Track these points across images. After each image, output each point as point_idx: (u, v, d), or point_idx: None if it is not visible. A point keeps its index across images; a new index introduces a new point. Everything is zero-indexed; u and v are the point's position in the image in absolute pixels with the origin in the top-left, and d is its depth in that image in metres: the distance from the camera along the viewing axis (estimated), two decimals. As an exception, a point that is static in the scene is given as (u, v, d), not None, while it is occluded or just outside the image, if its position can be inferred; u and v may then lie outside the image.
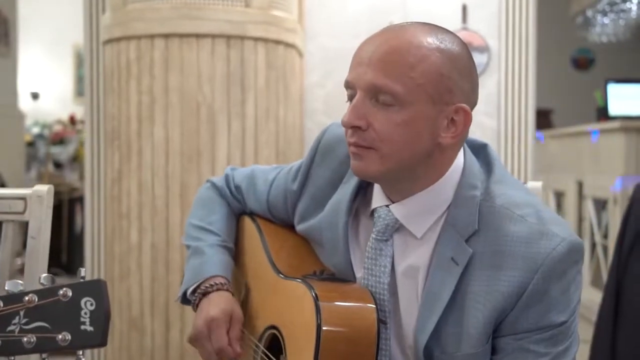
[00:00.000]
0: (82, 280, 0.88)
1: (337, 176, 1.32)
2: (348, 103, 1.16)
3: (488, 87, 2.84)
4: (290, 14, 2.46)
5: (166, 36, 2.23)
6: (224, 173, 1.53)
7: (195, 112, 2.24)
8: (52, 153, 6.69)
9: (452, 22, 2.82)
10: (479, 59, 2.81)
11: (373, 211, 1.24)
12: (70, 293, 0.85)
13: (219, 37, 2.24)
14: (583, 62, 7.55)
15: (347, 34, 2.81)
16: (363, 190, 1.28)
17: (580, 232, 4.35)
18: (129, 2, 2.28)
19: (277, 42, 2.35)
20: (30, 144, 7.01)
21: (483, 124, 2.87)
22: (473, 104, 1.18)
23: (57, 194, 5.75)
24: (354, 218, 1.29)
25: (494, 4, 2.82)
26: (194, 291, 1.37)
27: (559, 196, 4.92)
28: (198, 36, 2.23)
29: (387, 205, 1.21)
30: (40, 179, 6.17)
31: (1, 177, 5.49)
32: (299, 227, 1.37)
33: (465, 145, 1.23)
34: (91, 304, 0.85)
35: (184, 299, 1.40)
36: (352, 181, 1.28)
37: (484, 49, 2.83)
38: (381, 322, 1.19)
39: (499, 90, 2.84)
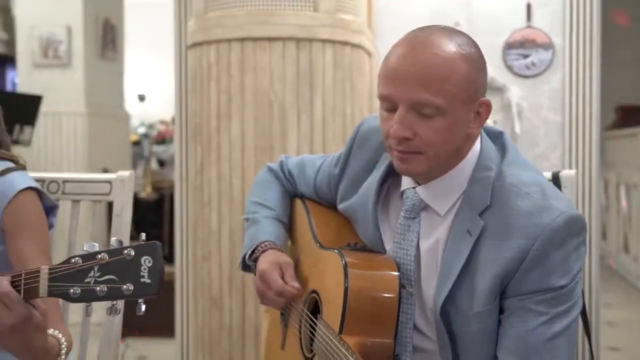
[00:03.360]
0: (142, 242, 1.10)
1: (372, 162, 1.50)
2: (384, 112, 1.32)
3: (552, 83, 2.92)
4: (358, 16, 2.64)
5: (242, 40, 2.45)
6: (279, 160, 1.75)
7: (267, 109, 2.46)
8: (155, 152, 7.11)
9: (516, 20, 2.92)
10: (543, 55, 2.91)
11: (402, 193, 1.42)
12: (133, 252, 1.07)
13: (289, 40, 2.45)
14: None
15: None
16: (394, 173, 1.46)
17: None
18: (210, 10, 2.52)
19: (344, 43, 2.53)
20: (136, 144, 7.48)
21: (548, 119, 2.96)
22: (486, 89, 1.35)
23: (159, 190, 6.15)
24: (385, 198, 1.47)
25: (558, 1, 2.89)
26: (250, 256, 1.59)
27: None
28: (270, 40, 2.44)
29: (413, 188, 1.39)
30: (145, 177, 6.59)
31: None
32: (340, 207, 1.57)
33: (482, 131, 1.39)
34: (149, 262, 1.06)
35: (244, 266, 1.62)
36: (382, 167, 1.46)
37: (548, 45, 2.92)
38: (405, 289, 1.37)
39: (563, 86, 2.91)
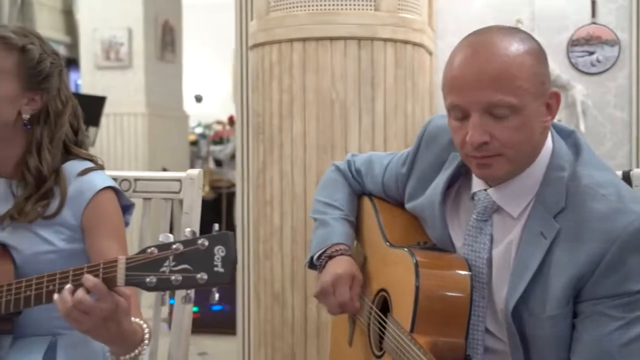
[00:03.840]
0: (215, 233, 1.12)
1: (440, 161, 1.50)
2: (455, 122, 1.31)
3: (619, 80, 2.86)
4: (420, 15, 2.63)
5: (304, 40, 2.47)
6: (346, 158, 1.75)
7: (329, 108, 2.47)
8: (212, 151, 7.21)
9: (580, 17, 2.87)
10: (609, 52, 2.85)
11: (473, 195, 1.41)
12: (206, 243, 1.10)
13: (351, 39, 2.46)
14: None
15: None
16: (464, 174, 1.45)
17: None
18: (272, 10, 2.55)
19: (405, 42, 2.53)
20: (194, 143, 7.60)
21: (614, 116, 2.90)
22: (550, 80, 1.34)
23: (216, 189, 6.24)
24: (455, 199, 1.46)
25: (624, -4, 2.84)
26: (319, 257, 1.60)
27: None
28: (332, 39, 2.45)
29: (485, 190, 1.38)
30: (203, 176, 6.67)
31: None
32: (408, 205, 1.57)
33: (552, 130, 1.37)
34: (222, 251, 1.09)
35: (311, 264, 1.64)
36: (451, 167, 1.45)
37: (614, 42, 2.86)
38: (477, 291, 1.36)
39: (630, 83, 2.85)
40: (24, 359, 1.47)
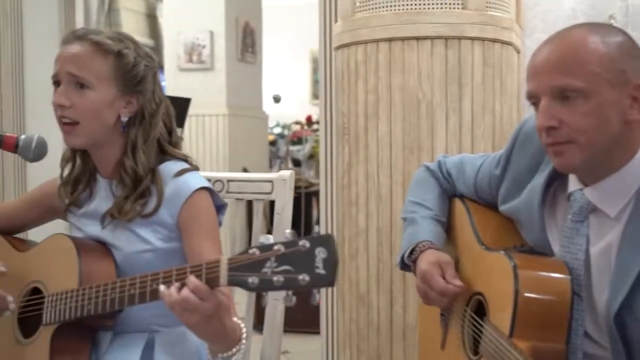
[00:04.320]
0: (316, 234, 1.13)
1: (535, 163, 1.46)
2: (535, 111, 1.32)
3: None
4: (508, 12, 2.58)
5: (389, 40, 2.46)
6: (437, 160, 1.74)
7: (415, 108, 2.45)
8: (291, 151, 7.27)
9: (678, 11, 2.76)
10: None
11: (569, 195, 1.37)
12: (308, 244, 1.10)
13: (438, 39, 2.43)
14: None
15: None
16: (561, 176, 1.41)
17: None
18: (357, 11, 2.55)
19: (493, 40, 2.49)
20: (273, 143, 7.68)
21: None
22: None
23: (295, 189, 6.28)
24: (552, 200, 1.43)
25: None
26: (409, 256, 1.59)
27: None
28: (418, 39, 2.43)
29: (581, 189, 1.34)
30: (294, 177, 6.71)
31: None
32: (502, 208, 1.54)
33: None
34: (323, 253, 1.09)
35: (403, 265, 1.63)
36: (548, 168, 1.42)
37: None
38: (576, 294, 1.32)
39: None
40: (124, 355, 1.52)
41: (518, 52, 2.72)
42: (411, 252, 1.59)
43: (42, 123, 2.80)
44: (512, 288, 1.31)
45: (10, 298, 1.49)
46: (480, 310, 1.47)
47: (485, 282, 1.47)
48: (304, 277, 1.09)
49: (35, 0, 4.42)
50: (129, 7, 6.72)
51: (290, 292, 1.14)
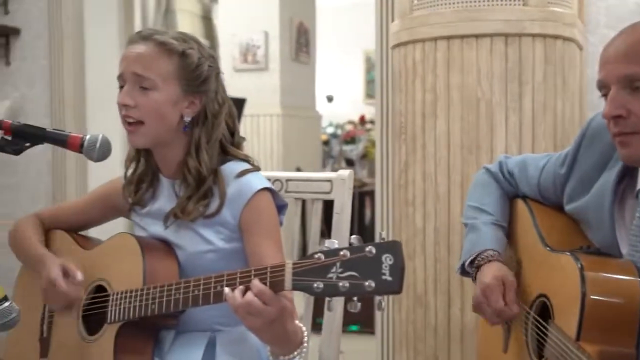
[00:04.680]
0: (382, 240, 1.12)
1: (603, 160, 1.42)
2: (604, 102, 1.29)
3: None
4: (570, 8, 2.53)
5: (448, 38, 2.43)
6: (497, 160, 1.71)
7: (474, 107, 2.41)
8: (344, 151, 7.27)
9: None
10: None
11: (638, 192, 1.34)
12: (374, 250, 1.09)
13: (497, 36, 2.39)
14: None
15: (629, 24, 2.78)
16: (629, 174, 1.37)
17: None
18: (415, 9, 2.53)
19: (555, 37, 2.43)
20: (326, 143, 7.68)
21: None
22: None
23: (348, 188, 6.28)
24: (621, 199, 1.39)
25: None
26: (470, 264, 1.57)
27: None
28: (477, 36, 2.40)
29: None
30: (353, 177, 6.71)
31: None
32: (567, 208, 1.50)
33: None
34: (390, 259, 1.08)
35: (463, 271, 1.61)
36: (617, 166, 1.38)
37: None
38: None
39: None
40: (187, 353, 1.53)
41: (581, 48, 2.66)
42: (472, 260, 1.57)
43: (102, 124, 2.86)
44: (578, 290, 1.28)
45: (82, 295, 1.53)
46: (544, 312, 1.44)
47: (549, 284, 1.43)
48: (370, 284, 1.08)
49: (95, 2, 4.51)
50: (185, 9, 6.81)
51: (355, 298, 1.13)
